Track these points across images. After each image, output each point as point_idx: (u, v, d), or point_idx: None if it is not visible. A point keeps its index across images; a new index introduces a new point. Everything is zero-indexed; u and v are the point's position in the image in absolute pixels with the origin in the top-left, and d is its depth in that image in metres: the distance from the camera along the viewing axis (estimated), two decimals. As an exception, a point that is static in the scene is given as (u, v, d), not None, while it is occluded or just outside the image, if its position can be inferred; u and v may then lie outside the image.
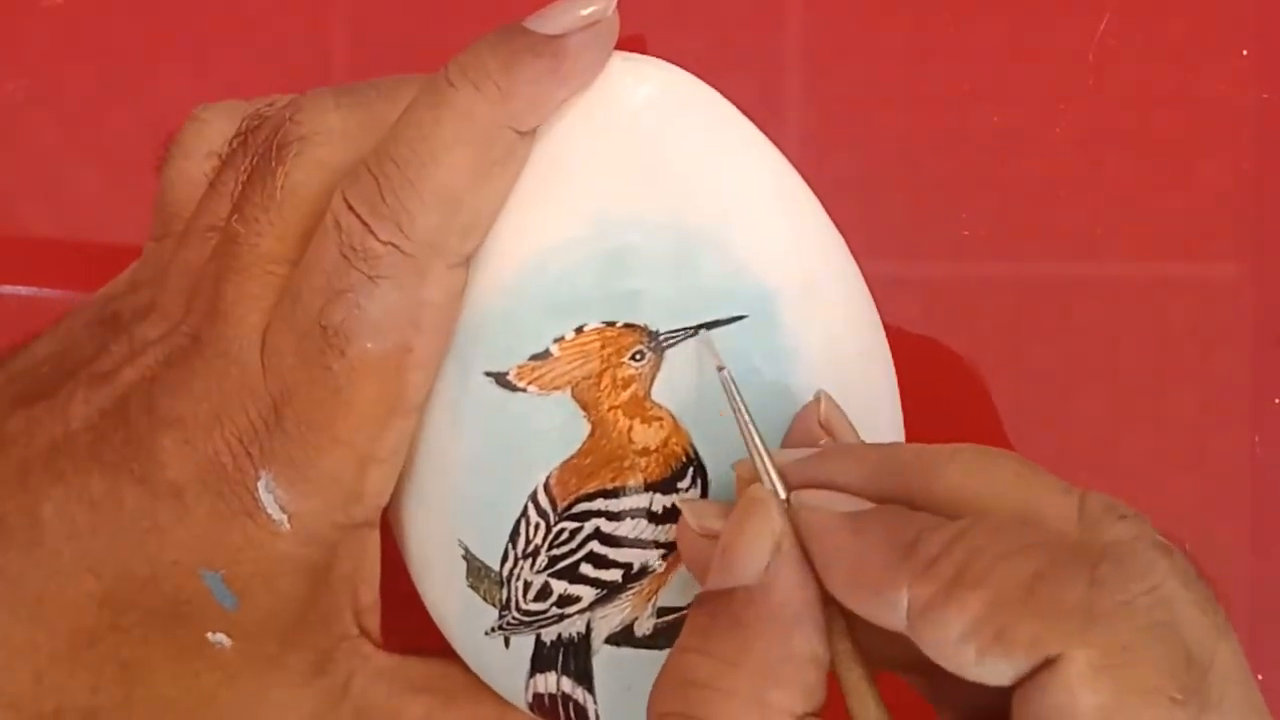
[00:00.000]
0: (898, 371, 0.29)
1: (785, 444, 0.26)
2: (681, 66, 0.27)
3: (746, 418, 0.25)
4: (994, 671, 0.20)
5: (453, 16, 0.34)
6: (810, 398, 0.26)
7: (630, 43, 0.26)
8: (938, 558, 0.20)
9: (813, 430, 0.25)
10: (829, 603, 0.22)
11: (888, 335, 0.29)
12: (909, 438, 0.29)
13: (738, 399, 0.25)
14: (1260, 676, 0.35)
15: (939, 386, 0.35)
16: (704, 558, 0.24)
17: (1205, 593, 0.20)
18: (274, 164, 0.26)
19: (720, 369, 0.26)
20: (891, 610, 0.20)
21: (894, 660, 0.23)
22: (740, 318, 0.26)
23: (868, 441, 0.26)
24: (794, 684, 0.21)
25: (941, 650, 0.20)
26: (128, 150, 0.36)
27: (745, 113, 0.28)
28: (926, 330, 0.35)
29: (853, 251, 0.28)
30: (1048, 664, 0.19)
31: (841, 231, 0.28)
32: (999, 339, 0.36)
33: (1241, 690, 0.20)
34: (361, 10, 0.36)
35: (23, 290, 0.36)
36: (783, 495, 0.23)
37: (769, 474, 0.24)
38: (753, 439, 0.24)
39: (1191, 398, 0.36)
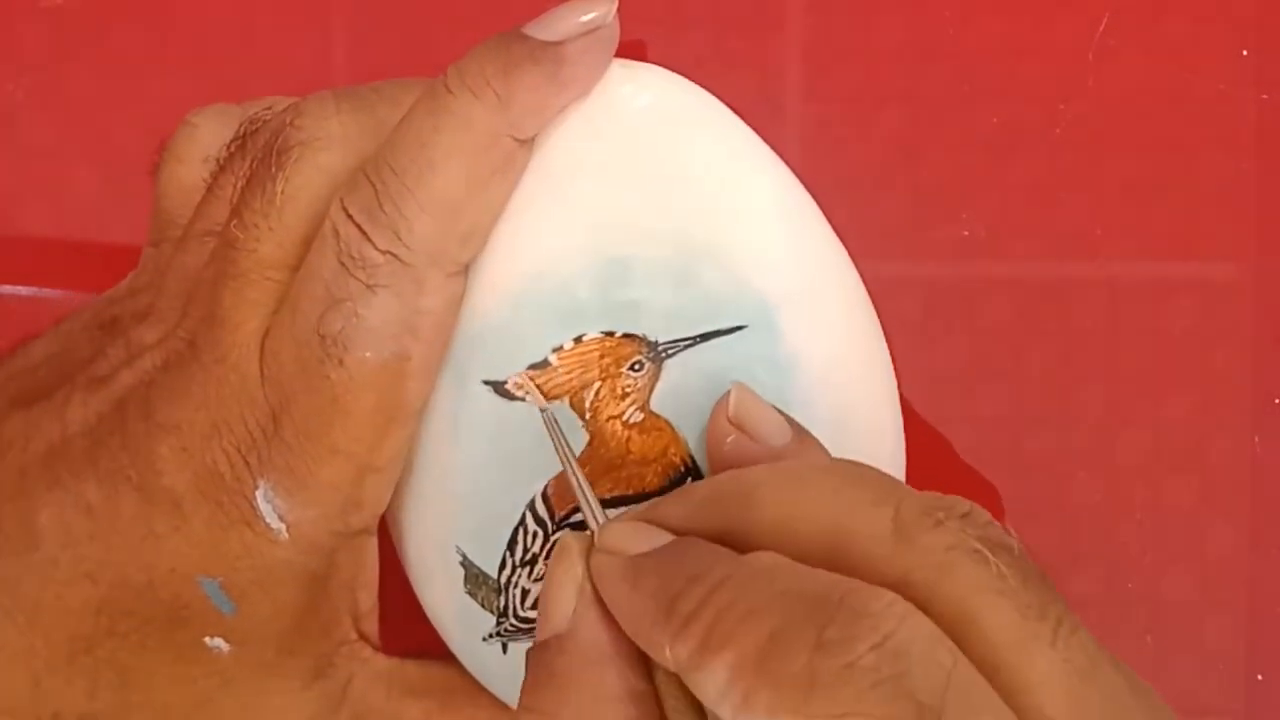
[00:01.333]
0: (897, 372, 0.29)
1: (705, 442, 0.26)
2: (681, 67, 0.27)
3: (569, 457, 0.25)
4: None
5: (453, 19, 0.34)
6: (809, 407, 0.26)
7: (630, 48, 0.26)
8: (691, 616, 0.20)
9: (722, 426, 0.25)
10: None
11: (888, 335, 0.29)
12: (909, 438, 0.29)
13: (561, 440, 0.25)
14: (1260, 676, 0.35)
15: (939, 386, 0.35)
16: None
17: (1031, 596, 0.20)
18: (274, 169, 0.26)
19: (542, 410, 0.26)
20: (666, 663, 0.21)
21: None
22: (740, 328, 0.26)
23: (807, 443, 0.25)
24: None
25: (709, 703, 0.20)
26: (127, 151, 0.36)
27: (745, 113, 0.27)
28: (926, 330, 0.35)
29: (852, 252, 0.28)
30: None
31: (841, 232, 0.28)
32: (999, 339, 0.36)
33: (1058, 696, 0.19)
34: (361, 12, 0.36)
35: (22, 290, 0.36)
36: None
37: (591, 515, 0.24)
38: (577, 480, 0.24)
39: (1191, 398, 0.36)
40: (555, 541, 0.24)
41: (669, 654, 0.20)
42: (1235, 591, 0.36)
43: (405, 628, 0.29)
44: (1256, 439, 0.36)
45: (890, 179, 0.36)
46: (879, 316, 0.29)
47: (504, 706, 0.29)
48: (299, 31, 0.36)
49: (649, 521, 0.23)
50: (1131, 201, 0.36)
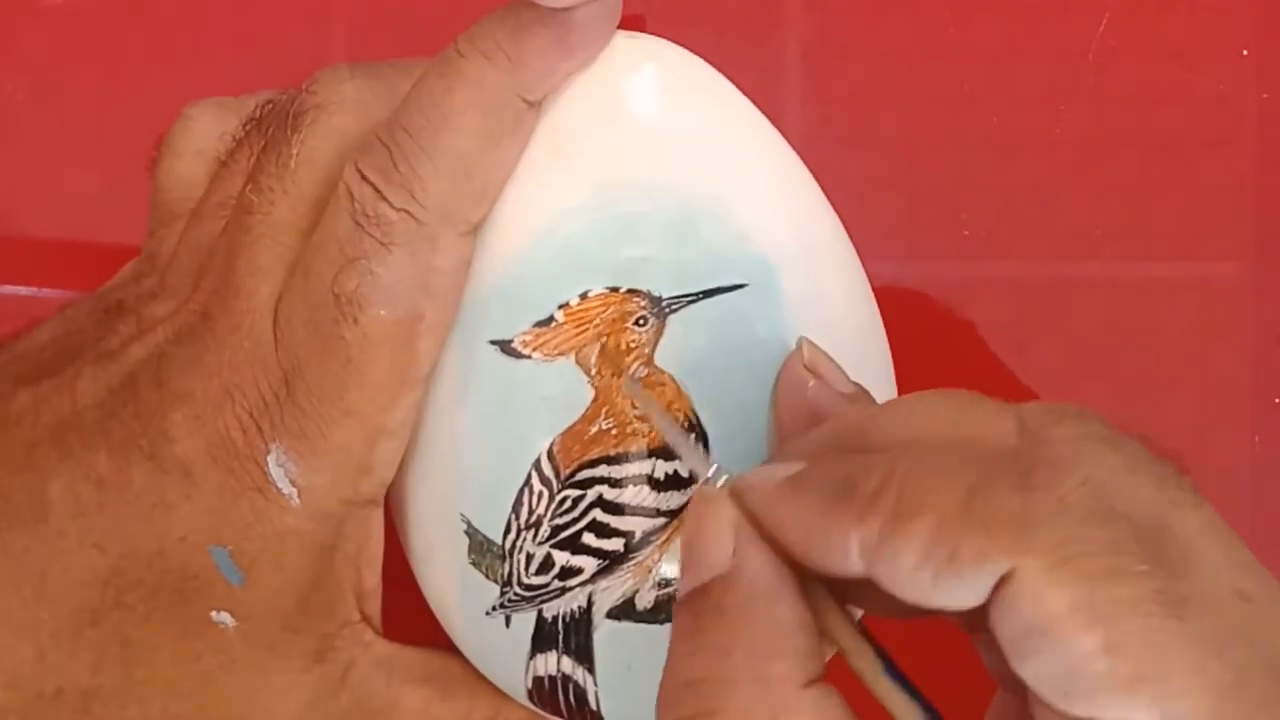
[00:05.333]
0: (897, 372, 0.29)
1: (777, 390, 0.26)
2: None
3: (667, 424, 0.25)
4: (955, 596, 0.20)
5: (452, 19, 0.34)
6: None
7: (631, 22, 0.27)
8: (875, 493, 0.20)
9: (799, 374, 0.26)
10: (805, 571, 0.22)
11: (888, 335, 0.29)
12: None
13: (655, 410, 0.26)
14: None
15: (939, 386, 0.35)
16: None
17: (1160, 472, 0.20)
18: (289, 132, 0.27)
19: (621, 375, 0.26)
20: (847, 558, 0.20)
21: (908, 607, 0.23)
22: (741, 286, 0.27)
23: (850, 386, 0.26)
24: (789, 652, 0.21)
25: (901, 584, 0.20)
26: (127, 150, 0.36)
27: (745, 110, 0.28)
28: (927, 330, 0.35)
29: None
30: (1005, 580, 0.19)
31: (841, 232, 0.29)
32: (999, 339, 0.36)
33: (1217, 551, 0.20)
34: (361, 12, 0.36)
35: (22, 290, 0.36)
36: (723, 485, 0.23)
37: (706, 467, 0.24)
38: (687, 445, 0.25)
39: (1191, 398, 0.36)
40: (689, 495, 0.24)
41: (854, 539, 0.20)
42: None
43: (405, 621, 0.29)
44: (1256, 439, 0.36)
45: (890, 179, 0.36)
46: (873, 295, 0.29)
47: (503, 696, 0.29)
48: (298, 31, 0.36)
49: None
50: (1131, 201, 0.36)
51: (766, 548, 0.22)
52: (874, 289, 0.29)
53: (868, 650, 0.22)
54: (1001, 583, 0.19)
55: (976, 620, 0.23)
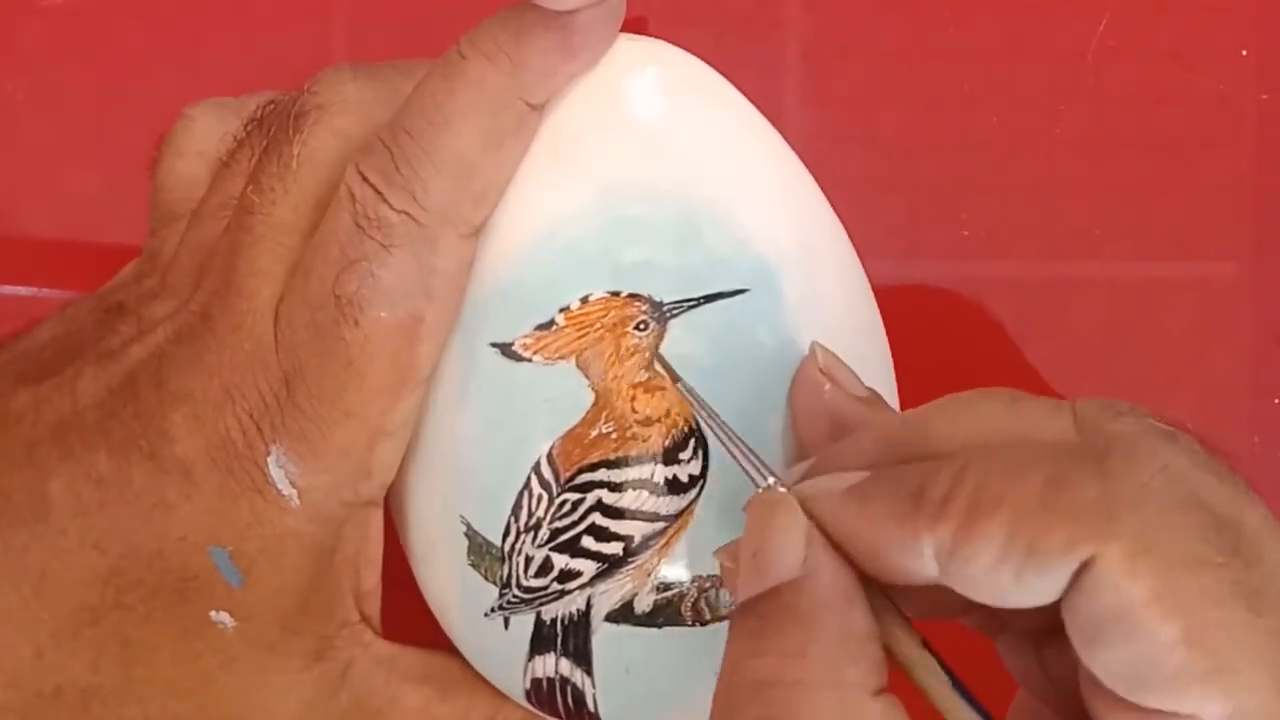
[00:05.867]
0: (898, 372, 0.29)
1: (792, 395, 0.27)
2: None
3: (728, 435, 0.25)
4: (1035, 590, 0.20)
5: (453, 20, 0.34)
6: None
7: (634, 24, 0.27)
8: (948, 496, 0.20)
9: (815, 378, 0.26)
10: (866, 581, 0.22)
11: (888, 336, 0.29)
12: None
13: (706, 409, 0.26)
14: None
15: (939, 386, 0.35)
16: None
17: (1218, 467, 0.20)
18: (291, 133, 0.27)
19: (676, 381, 0.26)
20: (920, 562, 0.20)
21: (939, 608, 0.23)
22: (743, 291, 0.27)
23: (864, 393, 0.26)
24: (864, 659, 0.21)
25: (978, 585, 0.20)
26: (127, 150, 0.36)
27: (745, 111, 0.28)
28: (926, 330, 0.35)
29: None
30: (1084, 568, 0.19)
31: (841, 232, 0.29)
32: (999, 339, 0.36)
33: (1276, 548, 0.20)
34: (361, 12, 0.36)
35: (22, 290, 0.36)
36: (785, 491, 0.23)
37: (767, 475, 0.24)
38: (747, 454, 0.24)
39: (1191, 398, 0.36)
40: (754, 498, 0.24)
41: (928, 544, 0.20)
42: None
43: (405, 622, 0.29)
44: (1256, 439, 0.36)
45: (890, 179, 0.36)
46: (874, 298, 0.29)
47: (502, 696, 0.29)
48: (298, 31, 0.36)
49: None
50: (1131, 201, 0.36)
51: (838, 555, 0.22)
52: (874, 289, 0.29)
53: (932, 663, 0.22)
54: (1080, 572, 0.19)
55: (1002, 622, 0.23)
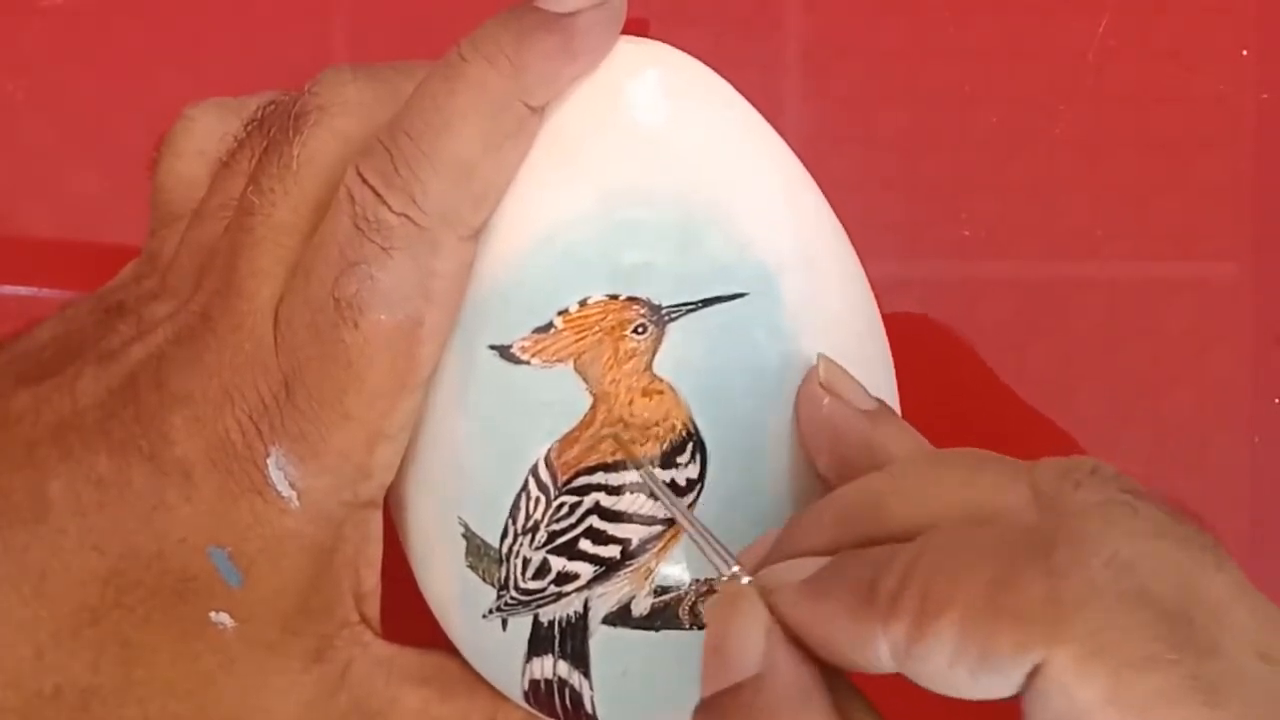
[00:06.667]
0: (898, 372, 0.29)
1: (797, 406, 0.26)
2: (682, 60, 0.28)
3: (691, 523, 0.25)
4: (992, 689, 0.19)
5: (453, 20, 0.34)
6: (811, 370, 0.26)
7: (635, 25, 0.27)
8: (898, 593, 0.20)
9: (816, 392, 0.26)
10: (831, 670, 0.22)
11: (888, 336, 0.29)
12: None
13: (667, 496, 0.26)
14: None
15: (939, 386, 0.35)
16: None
17: (1183, 530, 0.20)
18: (291, 134, 0.26)
19: (637, 467, 0.26)
20: (877, 658, 0.20)
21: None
22: (742, 295, 0.27)
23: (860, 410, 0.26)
24: None
25: (936, 682, 0.20)
26: (127, 150, 0.36)
27: (745, 113, 0.28)
28: (926, 330, 0.35)
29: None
30: (1037, 671, 0.19)
31: (841, 232, 0.28)
32: (999, 339, 0.36)
33: (1242, 612, 0.20)
34: (361, 12, 0.36)
35: (22, 290, 0.36)
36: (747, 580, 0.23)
37: (730, 563, 0.24)
38: (706, 539, 0.24)
39: (1191, 398, 0.36)
40: (714, 591, 0.24)
41: (883, 642, 0.20)
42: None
43: (405, 621, 0.29)
44: (1256, 439, 0.36)
45: (890, 179, 0.36)
46: (875, 301, 0.29)
47: (501, 696, 0.29)
48: (298, 31, 0.36)
49: (789, 554, 0.23)
50: (1131, 201, 0.36)
51: (797, 650, 0.22)
52: (874, 289, 0.29)
53: None
54: (1034, 673, 0.19)
55: None
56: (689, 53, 0.28)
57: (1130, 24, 0.36)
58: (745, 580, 0.23)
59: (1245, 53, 0.36)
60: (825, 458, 0.26)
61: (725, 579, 0.23)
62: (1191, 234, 0.36)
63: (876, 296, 0.29)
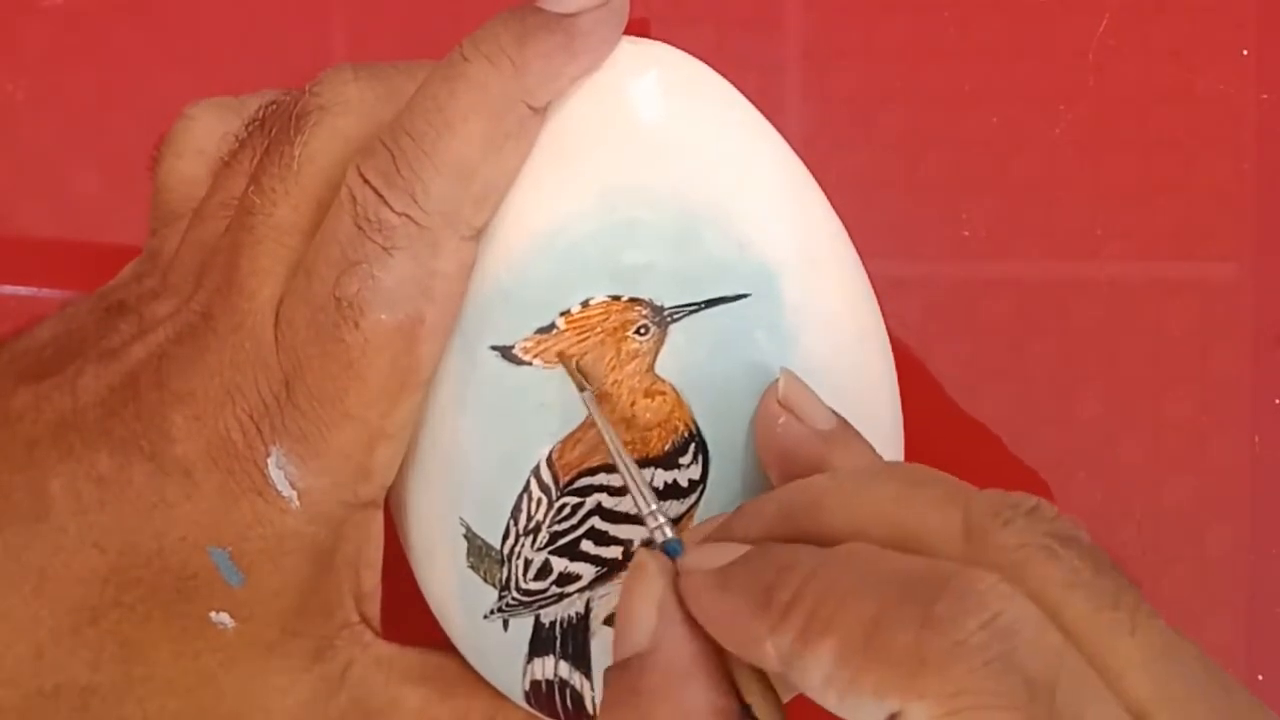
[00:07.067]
0: (898, 372, 0.29)
1: (754, 423, 0.26)
2: (683, 61, 0.27)
3: (636, 481, 0.25)
4: (861, 715, 0.19)
5: (453, 20, 0.34)
6: (809, 375, 0.26)
7: (636, 25, 0.27)
8: (790, 605, 0.20)
9: (772, 410, 0.26)
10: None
11: (888, 336, 0.29)
12: (909, 440, 0.29)
13: (605, 424, 0.25)
14: (1260, 677, 0.35)
15: (939, 386, 0.35)
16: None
17: (1100, 585, 0.20)
18: (292, 133, 0.27)
19: (582, 391, 0.26)
20: (766, 660, 0.21)
21: None
22: (744, 296, 0.27)
23: (831, 425, 0.26)
24: None
25: (814, 695, 0.20)
26: (127, 150, 0.36)
27: (745, 111, 0.28)
28: (926, 330, 0.35)
29: (851, 252, 0.29)
30: (895, 717, 0.19)
31: (841, 232, 0.28)
32: (999, 339, 0.36)
33: (1135, 682, 0.19)
34: (361, 12, 0.36)
35: (22, 290, 0.36)
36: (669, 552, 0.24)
37: (641, 499, 0.24)
38: (646, 503, 0.25)
39: (1191, 398, 0.36)
40: (630, 558, 0.24)
41: (769, 647, 0.20)
42: (1235, 591, 0.36)
43: (405, 621, 0.29)
44: (1256, 439, 0.36)
45: (890, 179, 0.36)
46: (876, 301, 0.29)
47: (501, 696, 0.29)
48: (298, 31, 0.36)
49: (723, 539, 0.23)
50: (1131, 201, 0.36)
51: (688, 629, 0.22)
52: (874, 289, 0.29)
53: None
54: (893, 718, 0.19)
55: None
56: (690, 53, 0.28)
57: (1130, 24, 0.36)
58: (667, 536, 0.23)
59: (1245, 53, 0.36)
60: (776, 477, 0.26)
61: (639, 546, 0.24)
62: (1192, 234, 0.36)
63: (877, 296, 0.29)
